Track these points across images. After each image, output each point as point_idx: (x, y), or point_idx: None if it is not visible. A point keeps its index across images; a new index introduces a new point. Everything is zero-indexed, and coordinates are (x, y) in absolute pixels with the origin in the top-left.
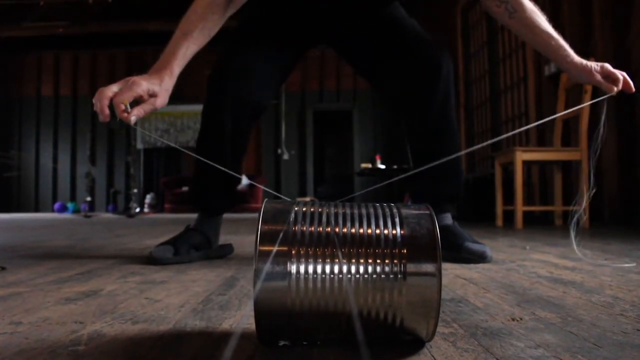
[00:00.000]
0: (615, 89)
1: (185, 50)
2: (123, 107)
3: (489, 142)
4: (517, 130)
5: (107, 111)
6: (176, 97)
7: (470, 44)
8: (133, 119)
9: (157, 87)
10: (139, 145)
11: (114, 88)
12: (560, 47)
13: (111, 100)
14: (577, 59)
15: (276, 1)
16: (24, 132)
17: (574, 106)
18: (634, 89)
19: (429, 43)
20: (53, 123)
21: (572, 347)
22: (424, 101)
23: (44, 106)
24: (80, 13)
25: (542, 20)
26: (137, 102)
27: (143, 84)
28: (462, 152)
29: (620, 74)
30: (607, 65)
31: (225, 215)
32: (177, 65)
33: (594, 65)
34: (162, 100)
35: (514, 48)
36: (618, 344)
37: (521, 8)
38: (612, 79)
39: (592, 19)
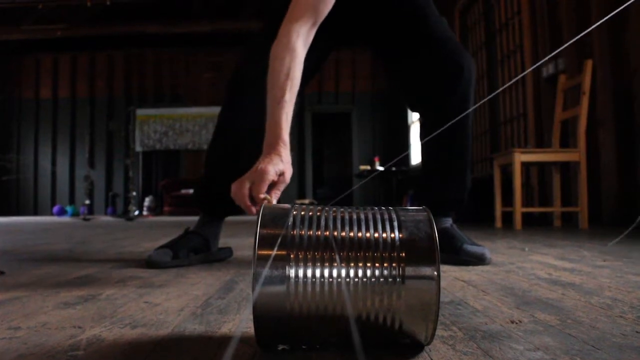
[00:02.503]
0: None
1: (286, 116)
2: (265, 200)
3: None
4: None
5: (252, 208)
6: (175, 100)
7: (469, 45)
8: (274, 202)
9: (281, 165)
10: (138, 148)
11: (247, 184)
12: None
13: (251, 194)
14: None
15: None
16: (22, 135)
17: (572, 107)
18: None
19: (455, 45)
20: (52, 126)
21: (571, 350)
22: (441, 101)
23: (42, 109)
24: (78, 15)
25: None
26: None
27: (271, 170)
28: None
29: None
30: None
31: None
32: (285, 133)
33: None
34: (289, 173)
35: (512, 49)
36: (617, 346)
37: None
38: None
39: (589, 21)
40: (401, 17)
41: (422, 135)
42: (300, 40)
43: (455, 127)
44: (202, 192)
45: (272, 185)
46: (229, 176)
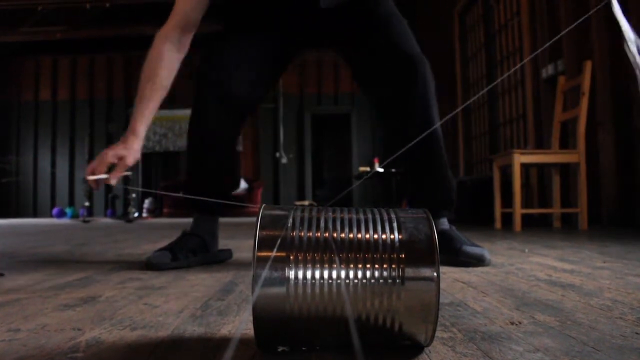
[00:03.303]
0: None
1: (142, 112)
2: (93, 177)
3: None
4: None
5: (92, 181)
6: (174, 101)
7: (468, 47)
8: (113, 181)
9: (123, 151)
10: None
11: (92, 164)
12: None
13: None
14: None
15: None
16: (22, 137)
17: (572, 108)
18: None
19: (407, 49)
20: (51, 128)
21: (571, 351)
22: (403, 107)
23: (42, 111)
24: (78, 17)
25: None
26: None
27: (108, 153)
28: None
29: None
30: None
31: (223, 220)
32: (139, 124)
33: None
34: (131, 159)
35: (512, 51)
36: (617, 348)
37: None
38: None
39: (588, 22)
40: (359, 21)
41: (390, 142)
42: (168, 44)
43: (420, 130)
44: (189, 191)
45: (113, 167)
46: (207, 173)
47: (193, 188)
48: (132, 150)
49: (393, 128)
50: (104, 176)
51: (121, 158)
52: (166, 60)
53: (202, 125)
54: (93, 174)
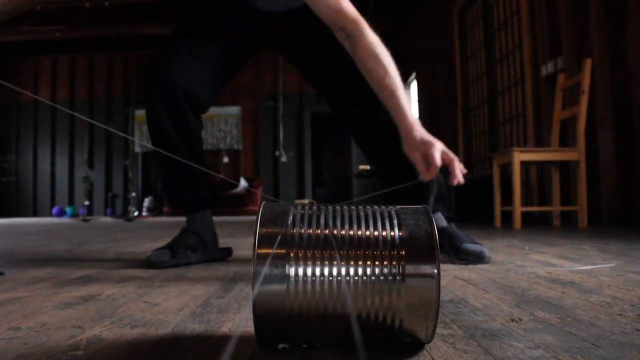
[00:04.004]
0: (429, 176)
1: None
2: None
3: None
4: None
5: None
6: None
7: (468, 45)
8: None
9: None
10: (137, 149)
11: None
12: (394, 93)
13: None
14: (410, 122)
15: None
16: (21, 137)
17: (571, 106)
18: (455, 182)
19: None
20: (51, 127)
21: (571, 348)
22: (364, 103)
23: (41, 110)
24: (77, 16)
25: (382, 55)
26: None
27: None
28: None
29: (446, 161)
30: (435, 147)
31: (223, 218)
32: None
33: (424, 137)
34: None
35: (511, 49)
36: (617, 344)
37: (360, 34)
38: (429, 163)
39: (588, 20)
40: (303, 29)
41: (363, 150)
42: None
43: (385, 129)
44: (166, 188)
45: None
46: (178, 170)
47: (170, 188)
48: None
49: (359, 128)
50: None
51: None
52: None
53: (156, 119)
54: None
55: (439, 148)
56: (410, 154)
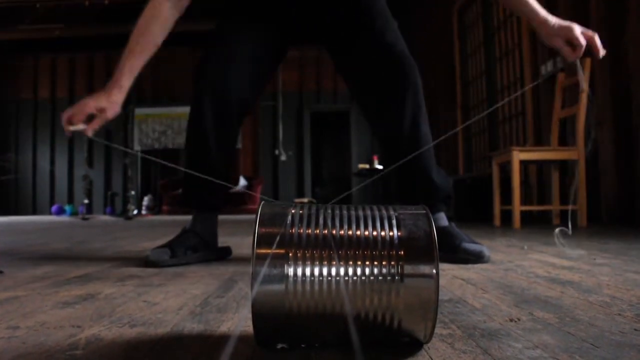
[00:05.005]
0: (575, 56)
1: (130, 65)
2: (71, 127)
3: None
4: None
5: (67, 128)
6: (173, 99)
7: (467, 44)
8: (90, 133)
9: (104, 102)
10: (137, 147)
11: (69, 111)
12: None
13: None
14: (543, 16)
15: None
16: (20, 135)
17: (571, 105)
18: (600, 54)
19: (399, 52)
20: (50, 125)
21: (570, 348)
22: (392, 111)
23: (41, 108)
24: (76, 15)
25: None
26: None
27: (90, 103)
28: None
29: (587, 39)
30: (575, 29)
31: (223, 217)
32: (126, 79)
33: (562, 24)
34: (112, 112)
35: (511, 48)
36: (616, 344)
37: None
38: (573, 45)
39: (587, 21)
40: (347, 19)
41: (385, 146)
42: (167, 3)
43: (409, 134)
44: (186, 187)
45: (92, 117)
46: (205, 169)
47: (191, 186)
48: (114, 103)
49: (381, 131)
50: (81, 127)
51: (102, 110)
52: (162, 16)
53: (200, 125)
54: (70, 122)
55: (578, 29)
56: (553, 42)
